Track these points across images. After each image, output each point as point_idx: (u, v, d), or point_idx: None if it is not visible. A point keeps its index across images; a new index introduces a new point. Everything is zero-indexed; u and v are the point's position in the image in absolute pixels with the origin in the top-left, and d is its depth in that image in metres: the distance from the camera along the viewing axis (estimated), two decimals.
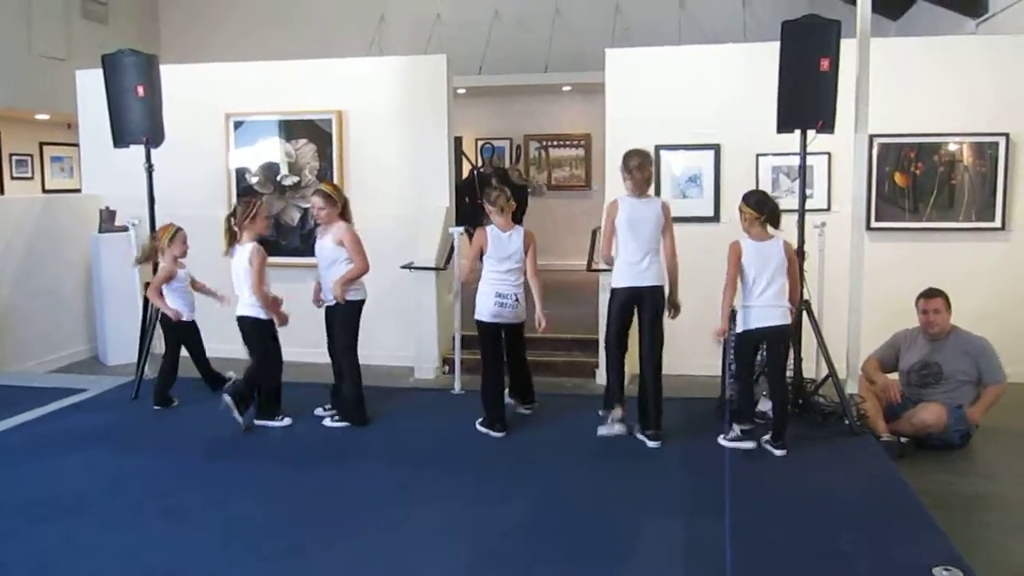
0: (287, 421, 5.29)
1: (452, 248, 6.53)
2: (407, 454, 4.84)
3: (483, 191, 6.08)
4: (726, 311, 4.88)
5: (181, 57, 9.50)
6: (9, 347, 7.07)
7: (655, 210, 4.89)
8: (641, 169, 4.86)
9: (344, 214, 5.27)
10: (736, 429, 4.80)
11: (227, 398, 5.04)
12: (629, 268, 4.85)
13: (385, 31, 11.76)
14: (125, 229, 6.87)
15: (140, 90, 6.10)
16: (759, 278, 4.73)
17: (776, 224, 4.81)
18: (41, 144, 11.94)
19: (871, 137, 6.12)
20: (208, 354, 5.84)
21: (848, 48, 5.24)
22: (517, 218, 5.93)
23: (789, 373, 5.14)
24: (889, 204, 6.73)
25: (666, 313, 4.96)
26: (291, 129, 7.48)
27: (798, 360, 5.32)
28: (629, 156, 4.91)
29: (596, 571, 3.42)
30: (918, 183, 6.69)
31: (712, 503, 4.02)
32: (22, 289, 7.20)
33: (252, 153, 7.56)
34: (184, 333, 5.71)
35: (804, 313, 5.23)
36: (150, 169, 6.24)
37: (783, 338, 4.85)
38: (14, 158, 11.58)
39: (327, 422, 5.32)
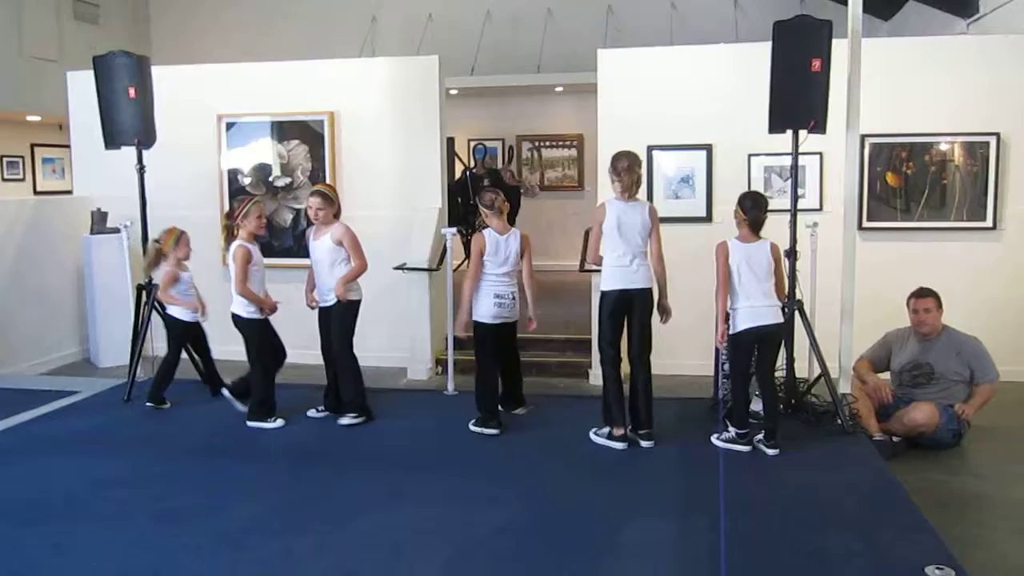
0: (280, 423, 5.29)
1: (445, 249, 6.53)
2: (400, 455, 4.84)
3: (476, 192, 6.09)
4: (722, 313, 4.88)
5: (173, 58, 9.49)
6: (0, 349, 7.04)
7: (642, 213, 4.88)
8: (629, 171, 4.84)
9: (337, 215, 5.31)
10: (731, 431, 4.81)
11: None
12: (618, 271, 4.84)
13: (377, 32, 11.76)
14: (117, 231, 6.87)
15: (132, 92, 6.08)
16: (748, 279, 4.75)
17: (756, 231, 4.83)
18: (32, 145, 11.89)
19: (863, 137, 6.15)
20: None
21: (839, 48, 5.24)
22: (510, 219, 5.93)
23: (780, 373, 5.15)
24: (881, 204, 6.75)
25: (658, 319, 4.96)
26: (283, 130, 7.47)
27: (790, 360, 5.33)
28: (617, 158, 4.89)
29: (589, 571, 3.42)
30: (910, 183, 6.71)
31: (705, 502, 4.02)
32: (13, 291, 7.17)
33: (244, 154, 7.55)
34: (191, 335, 5.75)
35: (796, 313, 5.24)
36: (142, 171, 6.21)
37: (775, 338, 4.86)
38: (5, 160, 11.53)
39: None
